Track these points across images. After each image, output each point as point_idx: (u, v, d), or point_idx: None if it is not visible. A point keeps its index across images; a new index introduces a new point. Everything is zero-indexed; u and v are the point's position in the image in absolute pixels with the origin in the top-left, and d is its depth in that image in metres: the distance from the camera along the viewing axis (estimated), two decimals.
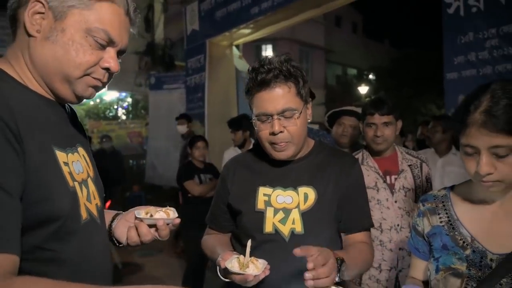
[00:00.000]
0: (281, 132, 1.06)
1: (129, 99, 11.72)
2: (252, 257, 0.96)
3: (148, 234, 0.87)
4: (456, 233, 0.97)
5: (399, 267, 1.72)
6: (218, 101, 6.47)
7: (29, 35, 0.77)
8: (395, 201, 1.76)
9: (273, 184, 1.16)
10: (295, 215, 1.11)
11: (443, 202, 1.03)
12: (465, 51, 3.31)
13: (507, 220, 0.91)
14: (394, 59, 17.67)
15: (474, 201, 0.98)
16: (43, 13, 0.76)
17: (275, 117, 1.06)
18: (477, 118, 0.83)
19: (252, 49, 15.70)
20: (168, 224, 0.90)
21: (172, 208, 0.92)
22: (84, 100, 0.87)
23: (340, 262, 0.96)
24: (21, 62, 0.79)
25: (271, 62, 1.07)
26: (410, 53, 16.49)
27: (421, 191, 1.79)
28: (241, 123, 3.61)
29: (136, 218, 0.90)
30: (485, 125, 0.81)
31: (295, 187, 1.14)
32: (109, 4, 0.79)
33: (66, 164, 0.80)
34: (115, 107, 11.51)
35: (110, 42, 0.81)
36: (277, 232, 1.10)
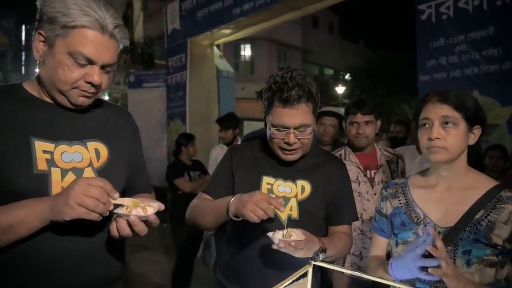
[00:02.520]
0: (294, 143, 1.22)
1: (107, 98, 11.53)
2: (289, 228, 1.08)
3: (126, 230, 0.92)
4: (412, 212, 1.18)
5: None
6: (200, 100, 6.51)
7: (38, 60, 0.99)
8: (375, 194, 1.94)
9: (275, 175, 1.31)
10: (293, 203, 1.28)
11: (402, 187, 1.24)
12: (436, 55, 3.54)
13: (451, 200, 1.13)
14: (368, 60, 18.22)
15: (427, 187, 1.20)
16: (44, 41, 0.96)
17: (292, 130, 1.20)
18: (432, 97, 1.13)
19: (230, 48, 15.75)
20: (146, 221, 0.93)
21: (154, 204, 0.94)
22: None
23: (321, 251, 1.10)
24: (37, 81, 1.04)
25: (293, 78, 1.19)
26: (384, 54, 17.06)
27: None
28: (233, 122, 3.71)
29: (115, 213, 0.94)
30: (438, 100, 1.11)
31: (294, 179, 1.30)
32: (83, 30, 0.94)
33: (47, 152, 0.97)
34: None
35: (89, 61, 0.96)
36: (276, 216, 1.26)
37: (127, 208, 0.92)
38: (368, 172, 1.99)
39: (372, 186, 1.96)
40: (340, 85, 17.59)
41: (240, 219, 1.11)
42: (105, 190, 0.88)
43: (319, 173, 1.33)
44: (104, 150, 1.08)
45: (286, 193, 1.28)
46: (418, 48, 3.70)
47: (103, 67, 0.99)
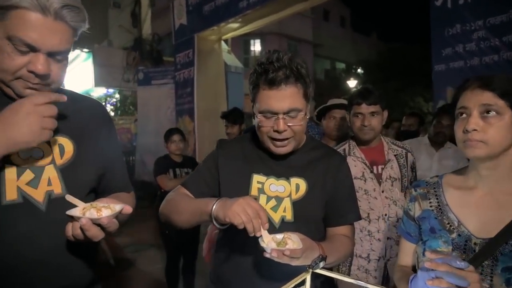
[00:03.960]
0: (285, 130, 1.07)
1: (117, 95, 11.57)
2: (284, 233, 0.95)
3: (79, 234, 0.82)
4: (444, 217, 1.02)
5: (387, 256, 1.75)
6: (207, 96, 6.43)
7: None
8: (382, 191, 1.78)
9: (267, 173, 1.17)
10: (287, 203, 1.14)
11: (434, 188, 1.08)
12: (452, 43, 3.35)
13: (492, 207, 0.96)
14: (381, 52, 17.84)
15: (464, 188, 1.03)
16: None
17: (281, 116, 1.07)
18: (472, 83, 0.97)
19: (240, 43, 15.63)
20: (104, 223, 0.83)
21: (116, 207, 0.85)
22: None
23: (321, 259, 0.98)
24: None
25: (280, 59, 1.06)
26: (397, 46, 16.66)
27: (406, 180, 1.81)
28: (238, 117, 3.50)
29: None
30: (478, 86, 0.94)
31: (287, 177, 1.17)
32: (21, 12, 0.81)
33: None
34: (103, 103, 11.34)
35: (30, 47, 0.84)
36: (268, 219, 1.11)
37: (83, 209, 0.83)
38: (374, 167, 1.82)
39: (380, 183, 1.80)
40: (351, 78, 17.28)
41: (226, 226, 0.98)
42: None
43: (315, 169, 1.19)
44: (69, 146, 0.99)
45: (279, 192, 1.15)
46: (433, 36, 3.51)
47: (51, 54, 0.87)
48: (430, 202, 1.06)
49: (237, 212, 0.91)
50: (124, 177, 1.18)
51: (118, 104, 11.37)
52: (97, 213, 0.82)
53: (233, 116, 3.52)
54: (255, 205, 0.92)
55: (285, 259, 0.89)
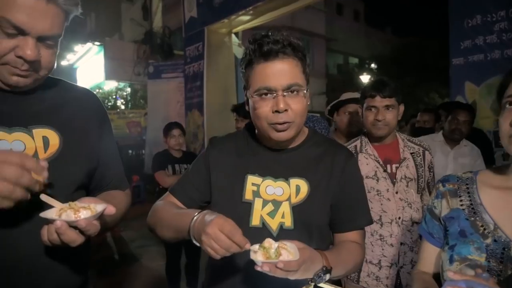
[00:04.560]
0: (285, 110, 0.94)
1: (128, 89, 11.59)
2: (279, 242, 0.83)
3: (55, 238, 0.74)
4: (477, 218, 0.88)
5: (400, 263, 1.61)
6: (217, 90, 6.35)
7: None
8: (396, 192, 1.64)
9: (263, 173, 1.04)
10: (285, 208, 1.00)
11: (467, 184, 0.94)
12: (472, 35, 3.19)
13: None
14: (396, 47, 17.45)
15: (503, 188, 0.89)
16: None
17: (280, 93, 0.94)
18: None
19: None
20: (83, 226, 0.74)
21: (97, 207, 0.76)
22: None
23: (325, 271, 0.87)
24: None
25: (274, 34, 0.96)
26: (413, 41, 16.26)
27: (423, 181, 1.68)
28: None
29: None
30: None
31: (286, 178, 1.03)
32: None
33: None
34: (114, 96, 11.39)
35: (19, 30, 0.77)
36: (264, 225, 1.00)
37: (59, 210, 0.75)
38: (388, 166, 1.67)
39: (394, 183, 1.65)
40: (365, 73, 16.96)
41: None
42: (26, 167, 0.69)
43: (319, 168, 1.04)
44: (55, 139, 0.91)
45: (276, 195, 1.01)
46: (451, 28, 3.35)
47: (41, 39, 0.81)
48: (461, 200, 0.92)
49: (207, 245, 0.80)
50: (118, 173, 1.10)
51: (129, 98, 11.39)
52: (75, 215, 0.74)
53: (244, 109, 3.39)
54: (227, 230, 0.79)
55: (279, 272, 0.78)
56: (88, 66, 10.62)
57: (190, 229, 0.88)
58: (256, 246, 0.82)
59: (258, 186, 1.03)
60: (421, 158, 1.68)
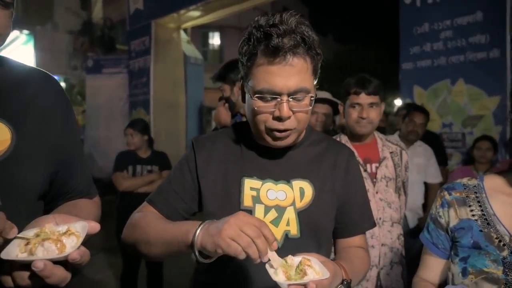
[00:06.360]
0: (288, 117, 0.82)
1: (63, 84, 10.64)
2: (302, 257, 0.70)
3: (27, 285, 0.54)
4: (491, 229, 0.83)
5: (380, 264, 1.59)
6: (165, 87, 6.05)
7: None
8: (376, 192, 1.60)
9: (262, 176, 0.91)
10: (290, 214, 0.88)
11: (475, 192, 0.89)
12: (420, 42, 3.35)
13: None
14: (338, 53, 18.24)
15: None
16: None
17: (285, 98, 0.81)
18: None
19: (199, 36, 15.15)
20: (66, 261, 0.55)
21: (77, 226, 0.59)
22: None
23: (346, 286, 0.79)
24: None
25: (285, 22, 0.79)
26: (353, 48, 17.12)
27: (400, 180, 1.67)
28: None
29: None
30: None
31: (288, 180, 0.91)
32: None
33: None
34: None
35: None
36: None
37: (26, 244, 0.54)
38: (368, 166, 1.63)
39: (374, 183, 1.61)
40: None
41: (214, 258, 0.73)
42: None
43: (321, 168, 0.94)
44: (5, 134, 0.70)
45: (279, 200, 0.89)
46: (401, 34, 3.50)
47: None
48: (472, 210, 0.87)
49: (232, 236, 0.66)
50: (84, 177, 0.89)
51: None
52: (57, 247, 0.53)
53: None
54: (253, 221, 0.68)
55: None
56: (14, 57, 9.52)
57: (196, 241, 0.71)
58: (272, 271, 0.68)
59: (257, 190, 0.90)
60: (398, 158, 1.66)
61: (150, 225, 0.85)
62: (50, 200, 0.82)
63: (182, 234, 0.74)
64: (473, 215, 0.87)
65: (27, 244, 0.54)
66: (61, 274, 0.55)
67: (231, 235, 0.66)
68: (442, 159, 2.82)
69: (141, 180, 2.90)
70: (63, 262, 0.55)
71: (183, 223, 0.79)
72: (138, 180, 2.90)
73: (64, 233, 0.56)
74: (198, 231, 0.72)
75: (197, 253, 0.72)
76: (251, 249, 0.66)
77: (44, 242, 0.53)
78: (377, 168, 1.62)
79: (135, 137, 2.96)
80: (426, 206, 2.52)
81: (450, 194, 0.91)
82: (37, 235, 0.56)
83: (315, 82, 0.88)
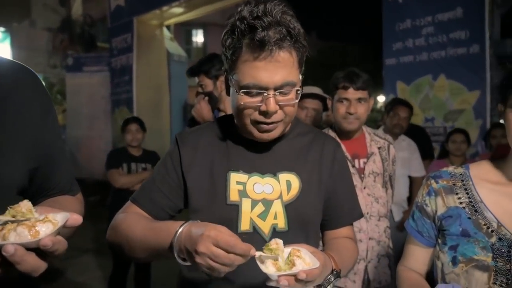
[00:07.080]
0: (275, 112, 0.81)
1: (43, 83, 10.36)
2: (292, 248, 0.69)
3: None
4: (479, 216, 0.83)
5: (368, 258, 1.60)
6: (148, 86, 5.96)
7: None
8: (364, 187, 1.60)
9: (248, 170, 0.90)
10: (277, 207, 0.88)
11: (462, 180, 0.89)
12: (403, 38, 3.39)
13: None
14: (321, 51, 18.39)
15: (501, 183, 0.85)
16: None
17: (271, 92, 0.79)
18: None
19: (182, 33, 14.99)
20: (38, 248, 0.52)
21: (57, 217, 0.56)
22: None
23: (336, 275, 0.79)
24: None
25: (269, 13, 0.77)
26: (336, 45, 17.28)
27: (387, 175, 1.68)
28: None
29: None
30: None
31: (274, 173, 0.90)
32: None
33: None
34: None
35: None
36: (255, 230, 0.87)
37: (1, 230, 0.52)
38: (356, 161, 1.62)
39: (362, 179, 1.60)
40: None
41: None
42: None
43: (308, 159, 0.93)
44: None
45: (266, 194, 0.88)
46: (384, 30, 3.54)
47: None
48: (459, 198, 0.87)
49: (206, 267, 0.65)
50: (66, 174, 0.85)
51: None
52: (30, 232, 0.51)
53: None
54: (223, 243, 0.64)
55: (298, 286, 0.65)
56: None
57: (174, 247, 0.70)
58: (259, 253, 0.67)
59: (244, 184, 0.88)
60: (386, 152, 1.67)
61: (134, 228, 0.82)
62: (31, 197, 0.79)
63: (162, 240, 0.74)
64: (460, 203, 0.87)
65: (1, 230, 0.52)
66: (33, 262, 0.52)
67: (201, 262, 0.66)
68: (428, 152, 2.86)
69: (137, 177, 2.88)
70: (39, 252, 0.52)
71: (164, 227, 0.77)
72: (134, 177, 2.89)
73: (41, 220, 0.53)
74: (175, 239, 0.71)
75: (178, 258, 0.72)
76: (228, 269, 0.66)
77: (17, 227, 0.51)
78: (365, 163, 1.62)
79: (139, 133, 2.96)
80: (410, 199, 2.56)
81: (437, 182, 0.91)
82: (13, 216, 0.54)
83: (300, 75, 0.86)
